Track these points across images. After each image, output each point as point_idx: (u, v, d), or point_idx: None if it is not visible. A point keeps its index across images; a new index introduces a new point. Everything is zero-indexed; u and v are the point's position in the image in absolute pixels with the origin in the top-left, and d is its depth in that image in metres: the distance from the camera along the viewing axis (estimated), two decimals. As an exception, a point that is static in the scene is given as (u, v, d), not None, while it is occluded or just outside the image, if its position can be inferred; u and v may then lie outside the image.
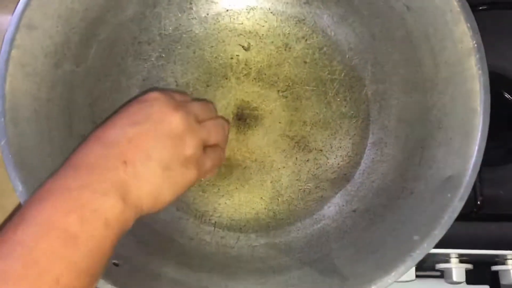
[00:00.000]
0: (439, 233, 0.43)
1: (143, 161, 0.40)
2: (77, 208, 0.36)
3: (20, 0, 0.46)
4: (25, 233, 0.35)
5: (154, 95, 0.44)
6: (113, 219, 0.37)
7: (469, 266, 0.57)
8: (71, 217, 0.35)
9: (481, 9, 0.58)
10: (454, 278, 0.56)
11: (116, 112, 0.44)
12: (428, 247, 0.42)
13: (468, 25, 0.46)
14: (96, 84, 0.54)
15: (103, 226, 0.36)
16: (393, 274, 0.42)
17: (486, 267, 0.59)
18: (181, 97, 0.47)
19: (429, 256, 0.55)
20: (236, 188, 0.55)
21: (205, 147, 0.46)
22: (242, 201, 0.55)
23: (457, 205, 0.43)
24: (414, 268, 0.57)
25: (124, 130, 0.41)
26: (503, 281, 0.57)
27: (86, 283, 0.36)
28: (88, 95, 0.53)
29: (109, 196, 0.37)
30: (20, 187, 0.43)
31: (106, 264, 0.38)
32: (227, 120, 0.53)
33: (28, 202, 0.37)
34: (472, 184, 0.44)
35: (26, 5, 0.46)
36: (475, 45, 0.46)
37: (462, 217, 0.55)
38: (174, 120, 0.42)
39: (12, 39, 0.46)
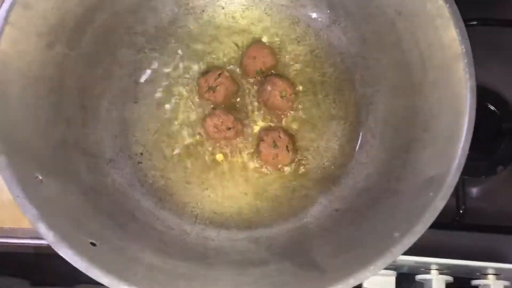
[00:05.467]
0: (419, 230, 0.42)
1: None
2: None
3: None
4: None
5: None
6: None
7: (449, 278, 0.56)
8: None
9: (470, 25, 0.59)
10: (434, 290, 0.56)
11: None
12: (408, 243, 0.42)
13: (457, 30, 0.47)
14: (87, 70, 0.54)
15: None
16: (371, 267, 0.41)
17: (466, 281, 0.58)
18: None
19: (410, 266, 0.55)
20: (221, 182, 0.55)
21: None
22: (226, 195, 0.55)
23: (438, 203, 0.43)
24: (394, 279, 0.57)
25: None
26: (483, 295, 0.57)
27: None
28: (78, 80, 0.53)
29: None
30: (3, 159, 0.43)
31: None
32: None
33: None
34: (455, 183, 0.44)
35: (23, -16, 0.46)
36: (464, 50, 0.46)
37: (444, 226, 0.55)
38: None
39: (6, 16, 0.46)
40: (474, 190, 0.60)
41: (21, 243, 0.56)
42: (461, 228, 0.55)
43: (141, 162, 0.55)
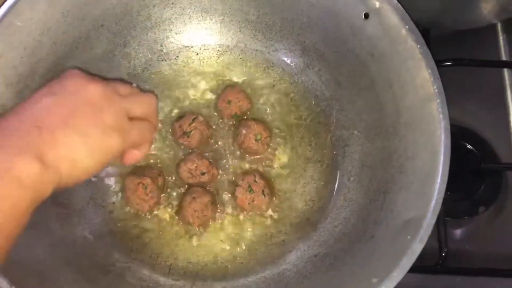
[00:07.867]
0: (397, 275, 0.41)
1: (60, 127, 0.40)
2: None
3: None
4: None
5: (72, 70, 0.46)
6: (29, 180, 0.37)
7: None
8: None
9: (444, 65, 0.59)
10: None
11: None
12: (386, 290, 0.41)
13: (429, 71, 0.47)
14: (58, 118, 0.53)
15: (18, 186, 0.36)
16: (349, 316, 0.40)
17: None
18: (101, 78, 0.47)
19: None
20: (196, 229, 0.53)
21: (133, 118, 0.46)
22: (201, 243, 0.53)
23: (416, 247, 0.42)
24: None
25: (40, 100, 0.42)
26: None
27: None
28: (49, 128, 0.52)
29: (23, 156, 0.37)
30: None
31: (21, 228, 0.37)
32: (155, 95, 0.52)
33: None
34: (432, 226, 0.43)
35: (-10, 34, 0.46)
36: (436, 90, 0.46)
37: (427, 269, 0.54)
38: (89, 90, 0.44)
39: (-27, 66, 0.46)
40: (457, 232, 0.59)
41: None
42: (443, 271, 0.54)
43: (112, 212, 0.54)
